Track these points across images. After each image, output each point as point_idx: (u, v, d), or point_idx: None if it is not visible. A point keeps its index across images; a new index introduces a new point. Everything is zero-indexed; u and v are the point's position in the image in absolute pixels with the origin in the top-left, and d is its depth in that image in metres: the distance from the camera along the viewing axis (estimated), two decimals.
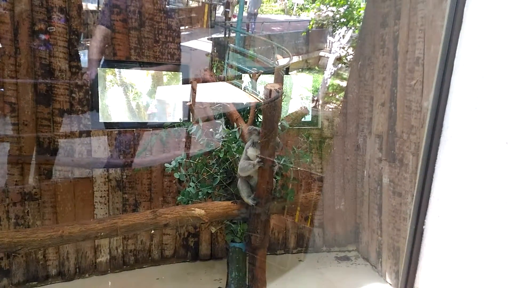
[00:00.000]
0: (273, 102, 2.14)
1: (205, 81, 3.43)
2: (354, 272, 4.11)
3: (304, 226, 4.50)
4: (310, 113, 4.55)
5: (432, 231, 1.72)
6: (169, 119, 4.17)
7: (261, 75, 3.41)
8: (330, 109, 4.99)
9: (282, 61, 4.86)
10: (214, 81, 3.29)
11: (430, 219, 1.72)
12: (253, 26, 4.91)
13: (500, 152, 1.37)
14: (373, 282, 3.90)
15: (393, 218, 3.78)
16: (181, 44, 4.25)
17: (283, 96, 3.25)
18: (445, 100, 1.61)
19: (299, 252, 4.54)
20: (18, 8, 3.45)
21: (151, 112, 4.61)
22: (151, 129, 3.98)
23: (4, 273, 3.52)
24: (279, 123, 2.68)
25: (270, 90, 2.24)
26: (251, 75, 3.24)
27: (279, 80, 2.52)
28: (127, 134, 3.92)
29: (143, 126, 4.03)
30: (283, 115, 3.47)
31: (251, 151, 2.42)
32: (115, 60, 3.85)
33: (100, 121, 3.85)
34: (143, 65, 4.03)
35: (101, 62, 3.76)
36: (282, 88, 2.33)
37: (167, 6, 4.12)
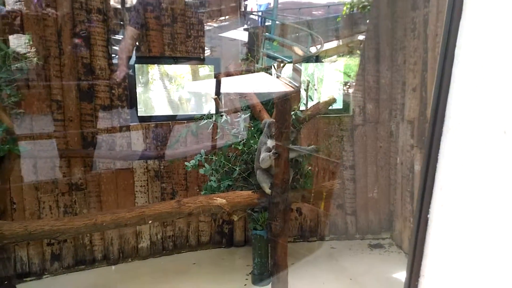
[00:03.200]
0: (284, 96, 2.20)
1: (229, 74, 3.53)
2: (385, 259, 4.09)
3: (337, 214, 4.53)
4: (341, 100, 4.53)
5: (437, 220, 1.74)
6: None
7: (286, 64, 3.45)
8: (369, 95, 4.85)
9: (312, 49, 4.84)
10: (237, 74, 3.37)
11: (434, 208, 1.75)
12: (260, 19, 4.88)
13: (498, 141, 1.38)
14: (404, 269, 3.86)
15: None
16: (219, 35, 4.38)
17: (308, 86, 3.29)
18: (446, 89, 1.62)
19: (332, 239, 4.58)
20: (60, 11, 3.71)
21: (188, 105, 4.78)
22: (185, 121, 4.15)
23: (56, 257, 3.87)
24: (294, 113, 2.74)
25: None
26: (275, 65, 3.29)
27: (297, 72, 2.57)
28: (160, 128, 4.12)
29: (174, 119, 4.22)
30: (309, 105, 3.49)
31: (270, 143, 2.50)
32: (147, 56, 4.03)
33: (133, 117, 4.06)
34: (176, 60, 4.19)
35: (130, 61, 3.95)
36: (300, 80, 2.38)
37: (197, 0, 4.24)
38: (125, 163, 4.10)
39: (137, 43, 3.93)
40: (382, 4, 4.32)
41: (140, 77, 6.11)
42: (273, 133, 2.46)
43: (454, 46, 1.58)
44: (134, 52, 3.92)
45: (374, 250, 4.32)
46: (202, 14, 4.28)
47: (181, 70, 5.91)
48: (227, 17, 4.81)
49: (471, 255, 1.56)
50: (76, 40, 3.68)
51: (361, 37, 7.64)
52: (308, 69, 5.88)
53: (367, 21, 4.41)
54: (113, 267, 3.90)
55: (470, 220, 1.57)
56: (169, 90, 5.83)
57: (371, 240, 4.56)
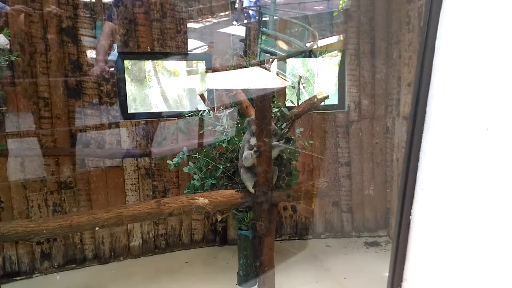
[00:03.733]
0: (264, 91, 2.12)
1: (215, 70, 3.46)
2: (381, 257, 4.01)
3: (332, 211, 4.45)
4: (337, 95, 4.43)
5: (419, 222, 1.66)
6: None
7: (275, 59, 3.36)
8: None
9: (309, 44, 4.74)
10: (223, 71, 3.29)
11: (416, 209, 1.66)
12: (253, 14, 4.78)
13: (481, 139, 1.29)
14: None
15: None
16: (211, 30, 4.28)
17: (300, 82, 3.20)
18: (427, 84, 1.54)
19: (328, 237, 4.50)
20: (46, 7, 3.63)
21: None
22: (176, 118, 4.07)
23: (46, 256, 3.82)
24: (279, 110, 2.66)
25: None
26: (265, 60, 3.20)
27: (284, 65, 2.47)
28: (150, 125, 4.04)
29: (163, 116, 4.14)
30: (301, 101, 3.39)
31: (253, 141, 2.43)
32: (135, 52, 3.95)
33: (120, 113, 3.98)
34: (166, 55, 4.11)
35: (111, 56, 3.87)
36: (286, 76, 2.29)
37: None
38: (115, 161, 4.03)
39: (117, 38, 3.84)
40: None
41: (137, 73, 6.03)
42: (253, 131, 2.39)
43: (435, 37, 1.48)
44: (115, 47, 3.83)
45: (370, 248, 4.23)
46: (193, 9, 4.19)
47: (179, 67, 5.83)
48: (221, 13, 4.73)
49: (455, 258, 1.47)
50: (51, 36, 3.59)
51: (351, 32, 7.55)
52: (307, 64, 5.78)
53: (346, 15, 4.33)
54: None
55: (454, 221, 1.48)
56: (163, 86, 5.76)
57: (367, 238, 4.47)
